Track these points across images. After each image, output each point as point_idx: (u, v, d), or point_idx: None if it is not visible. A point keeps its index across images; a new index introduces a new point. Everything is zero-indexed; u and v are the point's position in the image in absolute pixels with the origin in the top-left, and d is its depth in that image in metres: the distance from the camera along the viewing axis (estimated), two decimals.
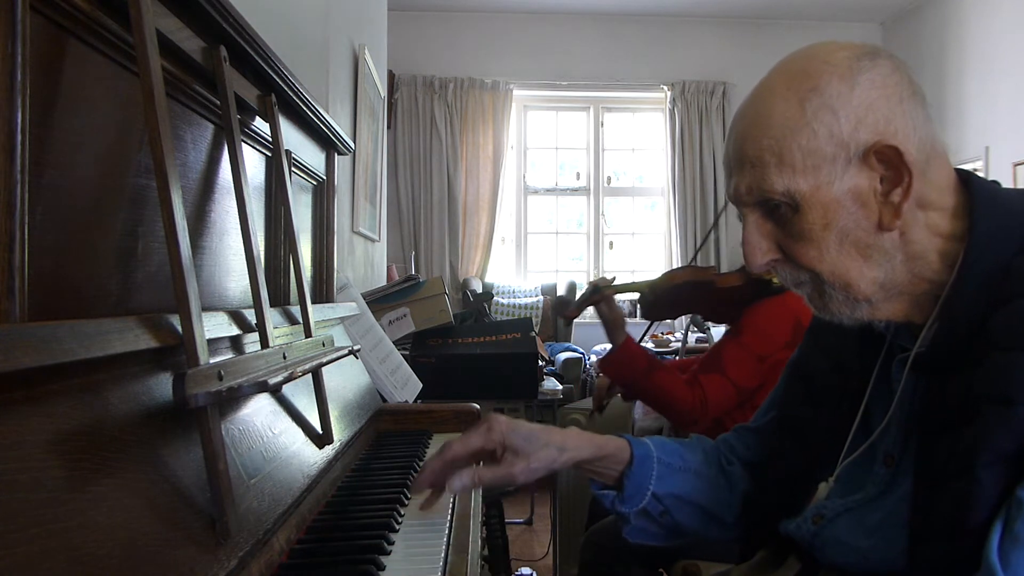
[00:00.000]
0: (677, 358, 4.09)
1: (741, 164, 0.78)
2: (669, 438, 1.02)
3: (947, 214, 0.77)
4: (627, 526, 0.97)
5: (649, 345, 4.46)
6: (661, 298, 1.81)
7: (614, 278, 1.88)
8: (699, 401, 1.67)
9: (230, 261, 0.94)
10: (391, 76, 4.99)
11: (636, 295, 1.87)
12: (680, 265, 1.89)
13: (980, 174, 0.83)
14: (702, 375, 1.70)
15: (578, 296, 1.84)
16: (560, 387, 2.78)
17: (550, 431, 0.91)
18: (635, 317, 4.88)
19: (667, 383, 1.70)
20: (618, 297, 1.84)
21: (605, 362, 1.79)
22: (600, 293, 1.77)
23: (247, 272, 0.86)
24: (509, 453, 0.87)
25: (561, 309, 1.88)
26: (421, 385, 1.81)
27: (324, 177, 1.38)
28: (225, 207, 0.92)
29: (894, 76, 0.75)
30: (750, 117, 0.78)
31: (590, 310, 1.84)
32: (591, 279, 5.81)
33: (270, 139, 1.04)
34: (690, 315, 2.11)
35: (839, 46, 0.78)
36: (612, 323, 1.77)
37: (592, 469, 0.96)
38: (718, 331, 4.21)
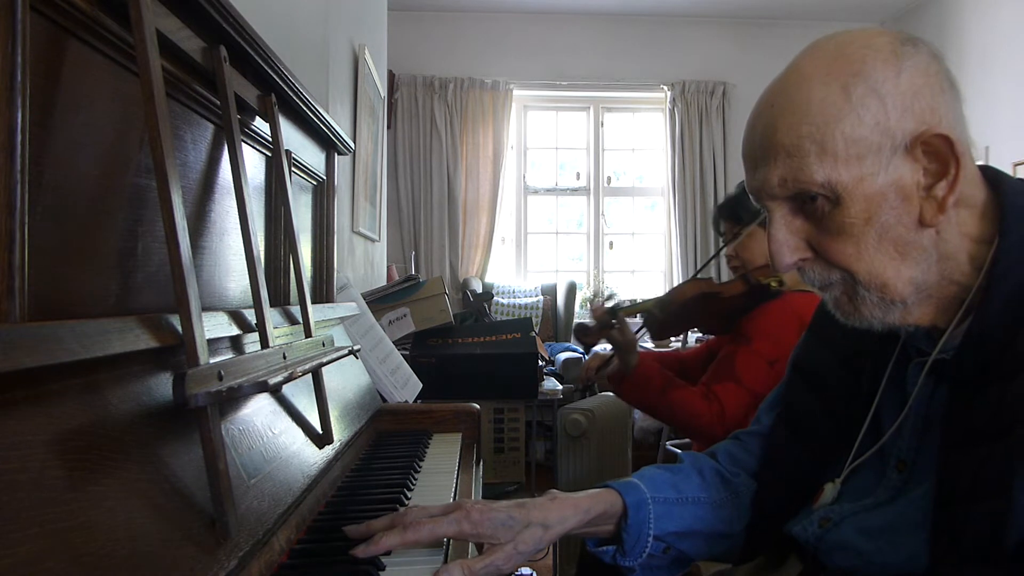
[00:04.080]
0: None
1: (773, 153, 0.73)
2: (660, 466, 0.97)
3: (976, 213, 0.74)
4: (632, 575, 0.91)
5: (648, 345, 4.45)
6: (670, 317, 1.77)
7: (614, 297, 1.86)
8: (717, 413, 1.65)
9: (230, 261, 0.94)
10: (391, 76, 4.99)
11: (641, 318, 1.82)
12: (685, 279, 1.89)
13: None
14: (716, 386, 1.68)
15: (590, 320, 1.81)
16: (560, 387, 2.79)
17: (529, 508, 0.83)
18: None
19: (684, 400, 1.68)
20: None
21: (621, 387, 1.77)
22: (616, 316, 1.72)
23: (247, 272, 0.86)
24: (488, 542, 0.80)
25: (581, 335, 1.84)
26: (421, 385, 1.81)
27: (324, 177, 1.38)
28: (225, 207, 0.92)
29: (934, 65, 0.72)
30: (781, 104, 0.73)
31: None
32: (592, 280, 5.81)
33: (270, 139, 1.04)
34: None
35: (876, 32, 0.74)
36: (626, 346, 1.74)
37: (584, 532, 0.89)
38: None
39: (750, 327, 1.73)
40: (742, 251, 1.81)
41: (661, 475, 0.95)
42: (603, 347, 1.93)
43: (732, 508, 0.94)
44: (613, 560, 0.91)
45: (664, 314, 1.77)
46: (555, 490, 0.88)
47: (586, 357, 4.15)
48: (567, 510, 0.85)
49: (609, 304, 1.75)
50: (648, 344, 4.19)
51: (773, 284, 1.71)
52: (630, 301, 1.83)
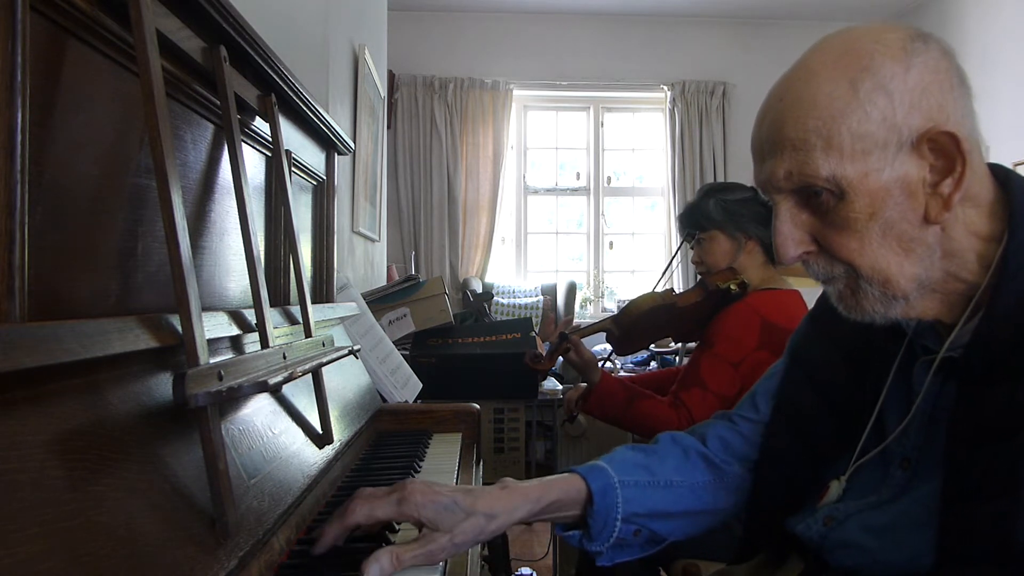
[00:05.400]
0: (676, 358, 4.07)
1: (780, 147, 0.73)
2: (634, 447, 0.96)
3: (984, 212, 0.74)
4: (600, 557, 0.90)
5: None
6: (628, 331, 1.80)
7: (572, 319, 1.88)
8: (685, 419, 1.67)
9: (230, 261, 0.94)
10: (391, 76, 4.99)
11: (604, 334, 1.86)
12: (684, 279, 1.91)
13: None
14: (683, 393, 1.70)
15: (547, 349, 1.83)
16: (560, 387, 2.79)
17: (476, 495, 0.80)
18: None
19: (650, 409, 1.70)
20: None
21: (588, 404, 1.79)
22: (568, 340, 1.76)
23: (247, 272, 0.86)
24: (428, 527, 0.78)
25: (535, 362, 1.84)
26: (421, 385, 1.81)
27: (324, 177, 1.38)
28: (225, 207, 0.92)
29: (944, 62, 0.72)
30: (790, 99, 0.73)
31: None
32: (592, 280, 5.81)
33: (270, 139, 1.04)
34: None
35: (886, 28, 0.73)
36: (584, 366, 1.77)
37: (544, 520, 0.87)
38: None
39: (712, 332, 1.74)
40: (706, 256, 1.83)
41: (633, 457, 0.94)
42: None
43: (716, 490, 0.94)
44: (580, 544, 0.90)
45: (622, 329, 1.79)
46: (509, 478, 0.87)
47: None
48: (516, 499, 0.83)
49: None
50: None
51: (733, 287, 1.72)
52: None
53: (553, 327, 5.15)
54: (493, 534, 0.80)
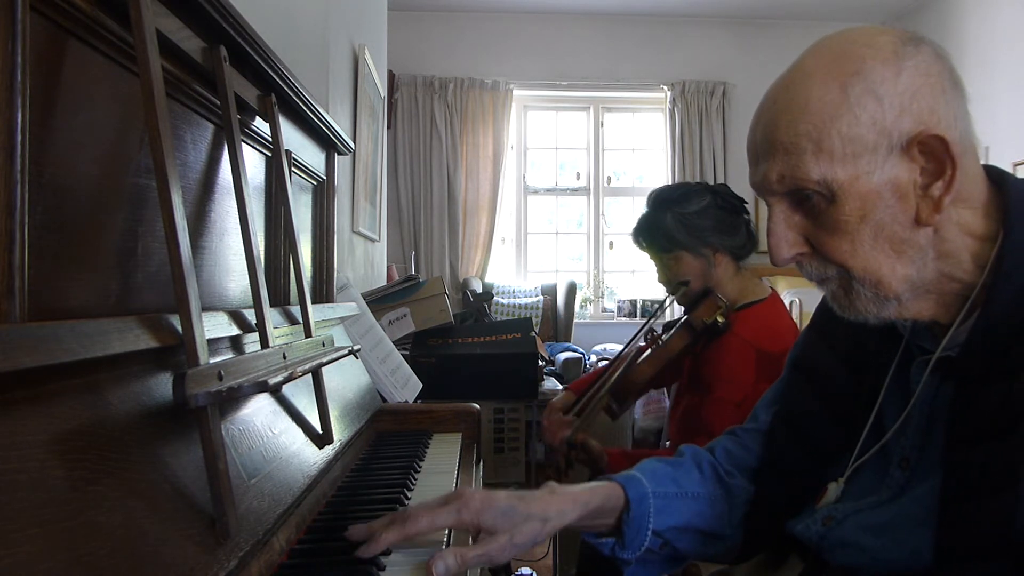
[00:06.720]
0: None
1: (772, 150, 0.74)
2: (661, 459, 0.98)
3: (979, 213, 0.75)
4: (628, 568, 0.92)
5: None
6: (626, 399, 1.73)
7: (577, 425, 1.74)
8: None
9: (230, 261, 0.94)
10: (391, 76, 4.99)
11: (603, 409, 1.75)
12: (632, 355, 1.75)
13: None
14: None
15: (559, 456, 1.70)
16: (560, 387, 2.79)
17: (529, 500, 0.83)
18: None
19: None
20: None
21: None
22: (575, 446, 1.65)
23: (247, 272, 0.86)
24: (486, 532, 0.80)
25: (558, 477, 1.71)
26: (421, 385, 1.81)
27: (324, 177, 1.38)
28: (225, 207, 0.92)
29: (937, 64, 0.72)
30: (783, 101, 0.74)
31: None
32: (592, 280, 5.81)
33: (270, 139, 1.04)
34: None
35: (879, 30, 0.75)
36: (594, 461, 1.65)
37: (583, 526, 0.90)
38: None
39: (709, 374, 1.66)
40: (674, 279, 1.73)
41: (662, 468, 0.95)
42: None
43: (725, 506, 0.95)
44: (612, 552, 0.91)
45: (620, 403, 1.72)
46: (552, 482, 0.89)
47: (582, 353, 4.04)
48: (566, 504, 0.86)
49: (566, 434, 1.68)
50: None
51: (719, 319, 1.64)
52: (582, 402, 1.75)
53: (552, 328, 5.15)
54: (548, 536, 0.83)
